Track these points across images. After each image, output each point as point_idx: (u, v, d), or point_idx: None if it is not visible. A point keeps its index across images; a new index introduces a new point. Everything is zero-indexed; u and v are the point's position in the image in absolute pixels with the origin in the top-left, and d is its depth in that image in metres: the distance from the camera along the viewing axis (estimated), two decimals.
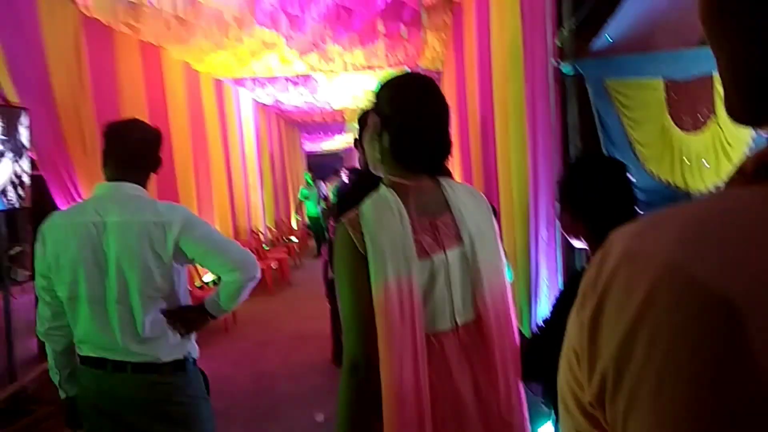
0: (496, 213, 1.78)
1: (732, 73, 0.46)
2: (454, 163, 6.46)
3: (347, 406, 1.29)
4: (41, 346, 3.39)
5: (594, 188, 1.47)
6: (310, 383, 4.64)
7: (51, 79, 4.35)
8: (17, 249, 4.11)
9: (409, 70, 2.84)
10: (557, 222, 2.95)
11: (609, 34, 2.77)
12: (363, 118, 2.52)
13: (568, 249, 2.86)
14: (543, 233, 3.22)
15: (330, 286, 4.11)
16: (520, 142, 3.54)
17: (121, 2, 4.81)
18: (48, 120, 4.26)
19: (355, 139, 2.88)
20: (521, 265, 3.63)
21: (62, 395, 2.06)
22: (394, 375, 1.24)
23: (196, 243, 1.91)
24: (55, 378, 2.05)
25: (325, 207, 10.74)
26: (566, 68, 2.87)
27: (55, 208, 4.01)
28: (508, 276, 1.48)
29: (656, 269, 0.40)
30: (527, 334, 3.41)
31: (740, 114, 0.47)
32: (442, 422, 1.28)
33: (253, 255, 2.05)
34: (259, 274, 2.02)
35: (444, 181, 1.43)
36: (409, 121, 1.37)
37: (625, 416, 0.40)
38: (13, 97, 3.92)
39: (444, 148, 1.42)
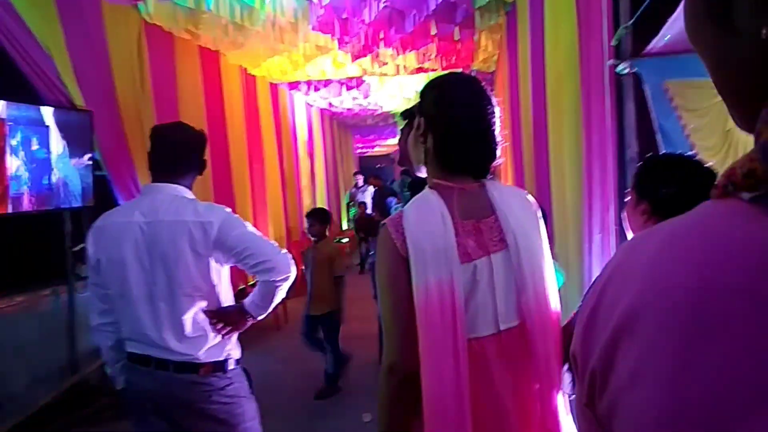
0: (546, 216, 1.73)
1: (720, 81, 0.47)
2: (506, 166, 6.36)
3: (386, 407, 1.29)
4: None
5: (680, 188, 1.38)
6: (357, 383, 4.66)
7: (114, 83, 4.53)
8: (81, 246, 4.30)
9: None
10: (611, 227, 2.86)
11: (668, 33, 2.66)
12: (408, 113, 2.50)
13: None
14: (597, 238, 3.12)
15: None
16: (574, 144, 3.45)
17: (181, 9, 4.96)
18: (111, 122, 4.44)
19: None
20: (574, 270, 3.53)
21: (118, 386, 2.13)
22: (434, 380, 1.22)
23: (233, 243, 1.94)
24: (109, 370, 2.13)
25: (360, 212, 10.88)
26: (622, 68, 2.78)
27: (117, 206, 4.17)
28: (559, 280, 1.43)
29: (635, 282, 0.45)
30: None
31: (739, 121, 0.47)
32: (483, 428, 1.25)
33: (288, 255, 2.05)
34: (293, 275, 2.03)
35: (489, 183, 1.39)
36: (455, 122, 1.34)
37: (609, 414, 0.45)
38: (79, 100, 4.10)
39: (490, 150, 1.38)
